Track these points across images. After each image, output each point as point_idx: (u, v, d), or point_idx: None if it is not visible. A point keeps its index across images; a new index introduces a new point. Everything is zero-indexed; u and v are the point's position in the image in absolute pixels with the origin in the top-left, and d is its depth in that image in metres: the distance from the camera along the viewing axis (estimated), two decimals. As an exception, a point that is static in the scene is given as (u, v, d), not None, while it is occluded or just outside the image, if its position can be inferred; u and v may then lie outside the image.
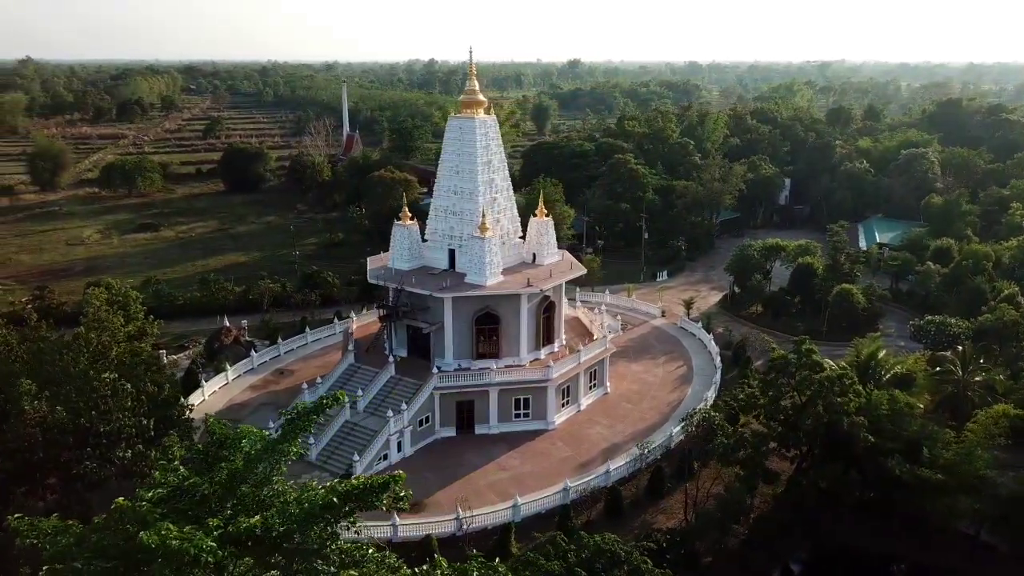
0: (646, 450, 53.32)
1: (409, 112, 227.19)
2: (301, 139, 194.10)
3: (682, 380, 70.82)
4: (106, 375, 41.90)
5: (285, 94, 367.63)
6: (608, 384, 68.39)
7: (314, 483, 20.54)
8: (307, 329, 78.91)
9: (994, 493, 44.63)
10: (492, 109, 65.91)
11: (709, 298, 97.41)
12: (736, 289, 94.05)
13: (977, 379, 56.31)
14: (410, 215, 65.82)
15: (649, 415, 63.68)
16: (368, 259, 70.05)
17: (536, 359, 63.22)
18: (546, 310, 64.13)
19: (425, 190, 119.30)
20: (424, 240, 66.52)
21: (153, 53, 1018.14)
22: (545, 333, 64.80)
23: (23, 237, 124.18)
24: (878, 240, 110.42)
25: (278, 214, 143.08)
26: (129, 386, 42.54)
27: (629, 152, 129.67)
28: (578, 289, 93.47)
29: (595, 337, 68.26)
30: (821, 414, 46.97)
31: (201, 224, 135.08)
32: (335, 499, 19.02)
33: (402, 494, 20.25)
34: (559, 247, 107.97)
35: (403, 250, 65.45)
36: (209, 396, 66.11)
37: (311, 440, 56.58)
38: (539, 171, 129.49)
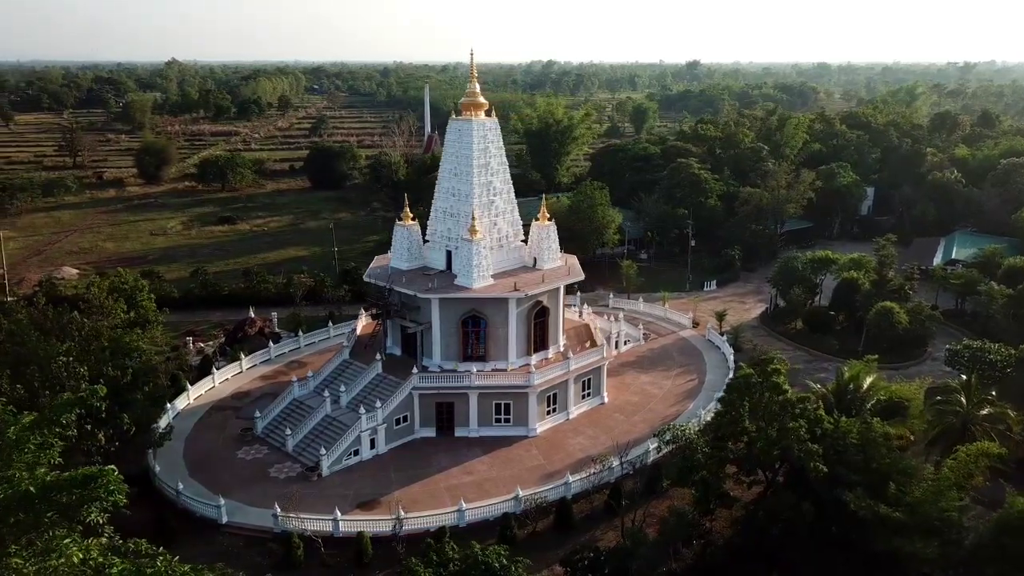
0: (604, 465, 51.61)
1: (502, 114, 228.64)
2: (383, 138, 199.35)
3: (687, 395, 68.15)
4: (61, 357, 44.56)
5: (397, 94, 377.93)
6: (605, 394, 66.70)
7: (39, 472, 21.21)
8: (330, 323, 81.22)
9: (956, 538, 40.51)
10: (493, 111, 65.65)
11: (752, 311, 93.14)
12: (779, 303, 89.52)
13: (983, 412, 51.10)
14: (411, 215, 66.63)
15: (638, 428, 61.54)
16: (376, 257, 71.36)
17: (525, 364, 62.46)
18: (539, 315, 63.25)
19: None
20: (426, 241, 67.18)
21: (293, 55, 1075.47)
22: (538, 338, 63.94)
23: (115, 226, 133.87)
24: (954, 255, 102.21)
25: (351, 211, 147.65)
26: (84, 370, 45.04)
27: (695, 156, 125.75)
28: (611, 295, 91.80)
29: (598, 345, 66.84)
30: (774, 439, 44.15)
31: (276, 219, 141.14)
32: (32, 489, 19.72)
33: (112, 488, 20.62)
34: (602, 251, 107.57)
35: (403, 250, 66.45)
36: (220, 383, 69.29)
37: (288, 431, 58.45)
38: (605, 174, 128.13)
